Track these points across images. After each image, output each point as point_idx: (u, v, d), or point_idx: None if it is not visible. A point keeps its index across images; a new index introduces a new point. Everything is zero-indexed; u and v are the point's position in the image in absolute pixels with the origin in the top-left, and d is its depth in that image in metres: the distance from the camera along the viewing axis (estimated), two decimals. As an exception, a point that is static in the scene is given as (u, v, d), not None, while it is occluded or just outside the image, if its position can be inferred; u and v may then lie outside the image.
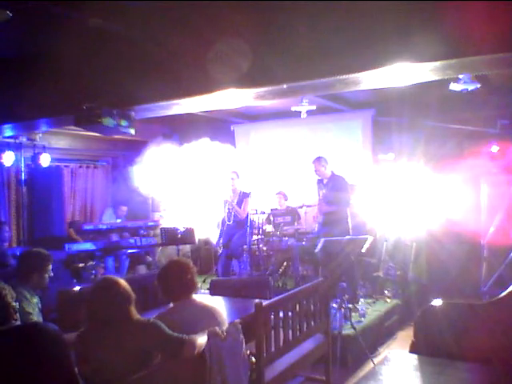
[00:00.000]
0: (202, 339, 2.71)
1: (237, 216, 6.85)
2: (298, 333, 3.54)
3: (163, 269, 3.16)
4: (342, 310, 5.26)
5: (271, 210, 7.80)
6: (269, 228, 7.73)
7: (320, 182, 6.39)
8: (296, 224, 7.61)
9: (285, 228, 7.46)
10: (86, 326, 2.66)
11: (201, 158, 7.50)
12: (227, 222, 6.88)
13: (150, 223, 8.07)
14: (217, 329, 2.79)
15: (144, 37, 4.04)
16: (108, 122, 4.24)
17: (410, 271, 7.04)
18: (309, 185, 8.11)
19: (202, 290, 5.32)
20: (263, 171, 8.67)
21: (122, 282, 2.74)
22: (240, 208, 6.85)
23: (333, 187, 6.12)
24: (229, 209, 6.88)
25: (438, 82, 3.77)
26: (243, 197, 6.91)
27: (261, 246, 7.44)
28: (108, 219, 8.33)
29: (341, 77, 3.51)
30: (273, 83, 3.74)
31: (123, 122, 4.39)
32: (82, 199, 9.03)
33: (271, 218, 7.74)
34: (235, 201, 6.87)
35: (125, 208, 8.40)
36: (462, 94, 4.63)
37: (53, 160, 7.68)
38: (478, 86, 4.53)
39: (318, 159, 6.29)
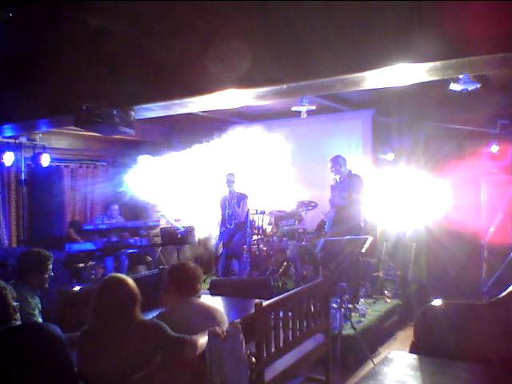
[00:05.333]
0: (202, 339, 2.71)
1: (237, 218, 6.84)
2: (297, 333, 3.54)
3: (167, 269, 3.16)
4: (342, 309, 5.26)
5: (274, 211, 7.76)
6: (269, 228, 7.72)
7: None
8: (297, 224, 7.61)
9: (285, 228, 7.46)
10: (89, 323, 2.65)
11: (200, 158, 7.50)
12: (228, 226, 6.87)
13: (150, 223, 8.06)
14: (217, 329, 2.79)
15: (144, 37, 4.04)
16: (108, 121, 4.24)
17: (409, 271, 7.04)
18: (308, 184, 8.13)
19: (202, 290, 5.32)
20: (263, 171, 8.65)
21: (130, 281, 2.74)
22: (239, 209, 6.84)
23: (347, 185, 6.14)
24: (228, 213, 6.87)
25: (438, 82, 3.77)
26: (240, 198, 6.89)
27: (261, 246, 7.44)
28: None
29: (341, 77, 3.51)
30: (273, 83, 3.74)
31: (123, 122, 4.39)
32: (82, 199, 9.02)
33: (273, 221, 7.72)
34: (234, 202, 6.85)
35: (116, 207, 8.22)
36: (462, 94, 4.62)
37: (53, 160, 7.67)
38: (478, 86, 4.52)
39: (335, 158, 6.30)
